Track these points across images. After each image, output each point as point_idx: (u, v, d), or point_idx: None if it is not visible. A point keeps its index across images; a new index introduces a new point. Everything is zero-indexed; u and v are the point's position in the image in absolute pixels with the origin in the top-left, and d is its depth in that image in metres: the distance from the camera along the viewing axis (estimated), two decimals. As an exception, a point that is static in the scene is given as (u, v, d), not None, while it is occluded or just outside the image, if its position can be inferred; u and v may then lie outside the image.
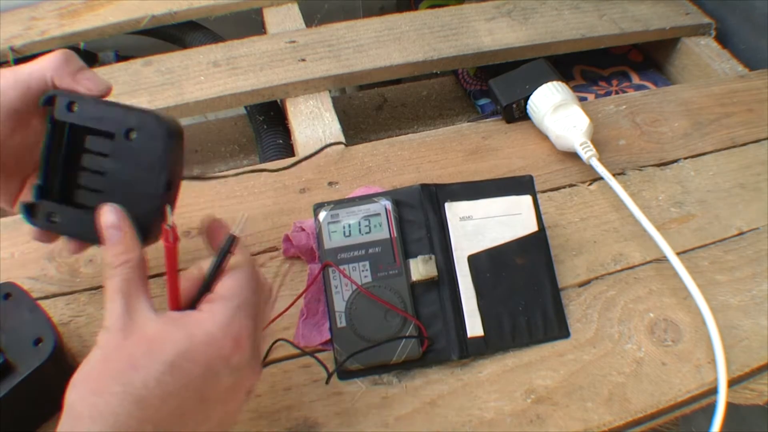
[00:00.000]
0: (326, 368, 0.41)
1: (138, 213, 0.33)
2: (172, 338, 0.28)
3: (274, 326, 0.44)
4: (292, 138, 0.62)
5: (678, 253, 0.47)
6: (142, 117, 0.34)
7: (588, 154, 0.52)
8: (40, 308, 0.39)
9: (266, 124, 0.69)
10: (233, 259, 0.32)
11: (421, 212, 0.46)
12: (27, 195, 0.37)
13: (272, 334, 0.43)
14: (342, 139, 0.59)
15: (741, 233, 0.51)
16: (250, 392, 0.32)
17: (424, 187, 0.46)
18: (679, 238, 0.50)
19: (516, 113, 0.59)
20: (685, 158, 0.57)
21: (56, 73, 0.34)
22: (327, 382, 0.41)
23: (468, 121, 0.62)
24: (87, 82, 0.35)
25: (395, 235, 0.44)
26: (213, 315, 0.30)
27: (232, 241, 0.32)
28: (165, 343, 0.28)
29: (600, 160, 0.53)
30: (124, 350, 0.28)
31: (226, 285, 0.31)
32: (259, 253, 0.48)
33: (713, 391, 0.42)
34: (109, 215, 0.32)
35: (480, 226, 0.46)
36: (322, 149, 0.56)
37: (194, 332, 0.29)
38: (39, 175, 0.36)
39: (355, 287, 0.43)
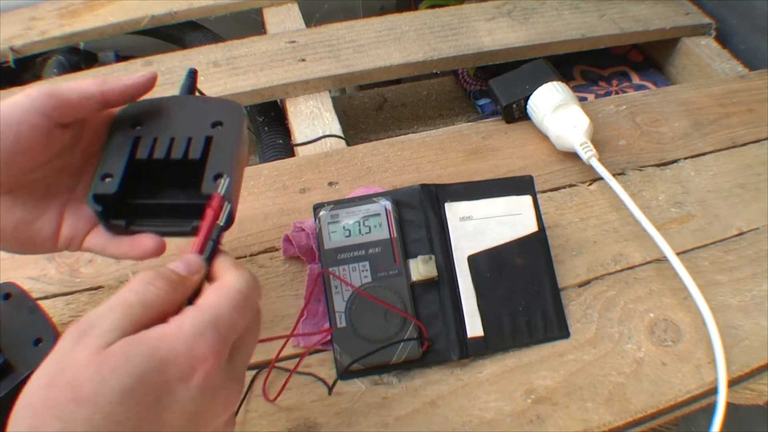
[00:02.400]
0: (326, 384, 0.41)
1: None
2: (130, 356, 0.24)
3: (273, 326, 0.44)
4: (292, 138, 0.62)
5: (678, 253, 0.47)
6: (221, 106, 0.35)
7: (588, 154, 0.52)
8: (40, 308, 0.39)
9: (266, 125, 0.69)
10: (222, 271, 0.29)
11: (421, 212, 0.46)
12: (70, 233, 0.35)
13: (271, 332, 0.43)
14: (342, 139, 0.59)
15: (741, 233, 0.51)
16: (230, 423, 0.29)
17: (424, 187, 0.46)
18: (679, 238, 0.50)
19: (516, 113, 0.59)
20: (685, 158, 0.57)
21: (105, 86, 0.33)
22: (329, 394, 0.41)
23: (468, 121, 0.62)
24: (137, 76, 0.35)
25: (395, 235, 0.44)
26: (179, 328, 0.25)
27: (222, 230, 0.30)
28: (120, 362, 0.23)
29: (600, 160, 0.53)
30: (69, 371, 0.23)
31: (206, 297, 0.27)
32: (259, 253, 0.48)
33: (713, 391, 0.42)
34: (194, 257, 0.30)
35: (480, 226, 0.46)
36: (322, 137, 0.56)
37: (157, 347, 0.24)
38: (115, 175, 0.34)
39: (356, 287, 0.43)
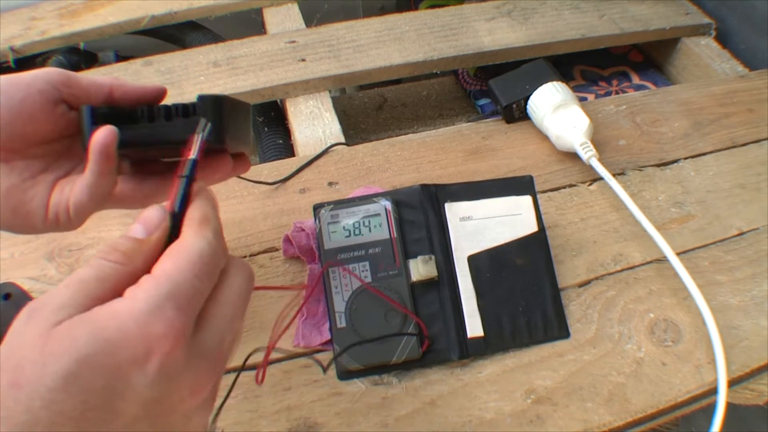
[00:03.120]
0: (321, 365, 0.41)
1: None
2: (74, 336, 0.21)
3: (274, 324, 0.44)
4: (292, 138, 0.62)
5: (678, 254, 0.47)
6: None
7: (588, 154, 0.52)
8: (40, 308, 0.39)
9: (266, 125, 0.69)
10: (184, 229, 0.26)
11: (421, 212, 0.46)
12: (57, 196, 0.33)
13: (272, 332, 0.43)
14: (342, 139, 0.59)
15: (741, 233, 0.51)
16: (203, 408, 0.25)
17: (424, 188, 0.46)
18: (679, 239, 0.50)
19: (516, 113, 0.59)
20: (685, 158, 0.57)
21: (116, 82, 0.33)
22: (324, 372, 0.40)
23: (468, 121, 0.62)
24: (147, 84, 0.35)
25: (395, 235, 0.44)
26: (133, 302, 0.22)
27: (194, 164, 0.27)
28: (63, 344, 0.21)
29: (600, 160, 0.53)
30: (17, 353, 0.21)
31: (163, 263, 0.24)
32: (259, 253, 0.48)
33: (713, 391, 0.42)
34: (152, 211, 0.26)
35: (480, 226, 0.46)
36: (325, 151, 0.56)
37: (105, 326, 0.22)
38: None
39: (355, 288, 0.43)
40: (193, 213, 0.26)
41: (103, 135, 0.30)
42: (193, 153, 0.27)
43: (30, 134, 0.32)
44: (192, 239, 0.25)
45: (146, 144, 0.32)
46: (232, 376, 0.37)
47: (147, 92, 0.34)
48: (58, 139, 0.34)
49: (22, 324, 0.22)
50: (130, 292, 0.23)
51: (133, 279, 0.24)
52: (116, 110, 0.32)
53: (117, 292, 0.24)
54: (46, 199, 0.34)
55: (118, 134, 0.31)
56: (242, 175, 0.46)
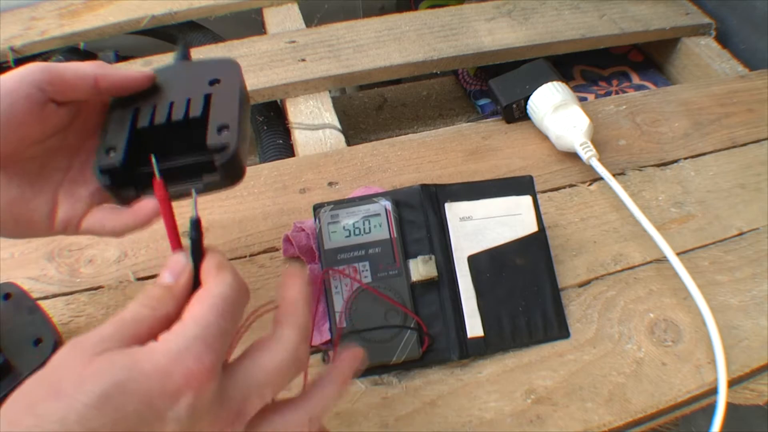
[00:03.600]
0: (327, 354, 0.41)
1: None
2: (112, 364, 0.23)
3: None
4: (292, 138, 0.62)
5: (678, 254, 0.47)
6: (216, 65, 0.36)
7: (588, 154, 0.52)
8: (40, 308, 0.39)
9: (266, 124, 0.69)
10: (205, 277, 0.28)
11: (421, 212, 0.46)
12: (66, 215, 0.34)
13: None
14: (342, 139, 0.59)
15: (741, 233, 0.51)
16: None
17: (424, 188, 0.46)
18: (679, 239, 0.50)
19: (516, 113, 0.59)
20: (685, 158, 0.57)
21: (101, 70, 0.33)
22: (325, 361, 0.41)
23: (468, 121, 0.62)
24: (134, 71, 0.34)
25: (395, 235, 0.44)
26: (165, 343, 0.25)
27: (197, 224, 0.29)
28: (102, 368, 0.23)
29: (600, 160, 0.53)
30: (57, 372, 0.23)
31: (190, 308, 0.27)
32: (259, 253, 0.48)
33: (713, 391, 0.42)
34: (176, 258, 0.29)
35: (480, 226, 0.46)
36: (323, 127, 0.56)
37: (139, 359, 0.24)
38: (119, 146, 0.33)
39: (355, 287, 0.43)
40: (209, 263, 0.28)
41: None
42: (192, 212, 0.29)
43: (21, 139, 0.32)
44: (213, 284, 0.27)
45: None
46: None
47: (135, 81, 0.34)
48: (50, 137, 0.34)
49: (65, 351, 0.24)
50: (163, 336, 0.25)
51: (165, 321, 0.26)
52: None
53: (152, 333, 0.26)
54: (50, 210, 0.34)
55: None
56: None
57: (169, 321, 0.27)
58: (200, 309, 0.26)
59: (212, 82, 0.35)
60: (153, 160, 0.31)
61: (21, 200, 0.33)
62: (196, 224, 0.29)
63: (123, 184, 0.33)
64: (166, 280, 0.28)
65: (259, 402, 0.27)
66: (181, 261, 0.29)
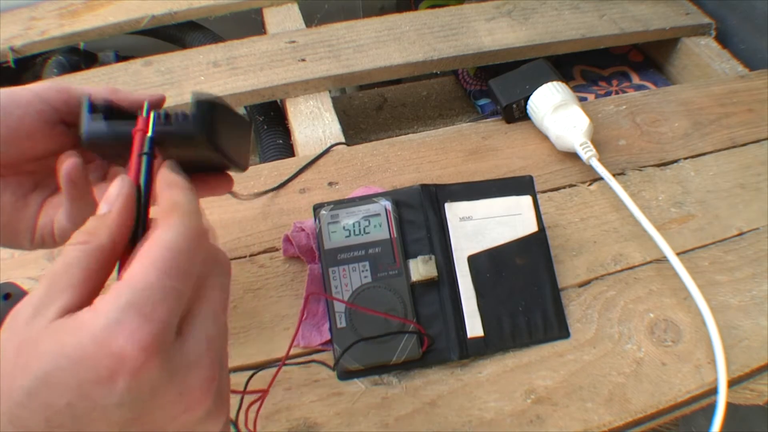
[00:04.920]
0: (328, 365, 0.41)
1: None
2: (38, 351, 0.20)
3: (273, 326, 0.44)
4: (292, 138, 0.62)
5: (678, 254, 0.47)
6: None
7: (588, 154, 0.52)
8: (40, 308, 0.39)
9: (266, 124, 0.69)
10: (156, 220, 0.24)
11: (421, 212, 0.46)
12: (44, 217, 0.33)
13: (272, 332, 0.43)
14: (342, 139, 0.59)
15: (741, 233, 0.51)
16: (208, 421, 0.23)
17: (424, 188, 0.46)
18: (679, 239, 0.50)
19: (516, 113, 0.59)
20: (685, 158, 0.57)
21: (115, 94, 0.32)
22: (334, 369, 0.41)
23: (468, 121, 0.62)
24: (147, 93, 0.33)
25: (395, 235, 0.44)
26: (94, 316, 0.20)
27: (151, 141, 0.26)
28: (31, 357, 0.20)
29: (600, 160, 0.53)
30: None
31: (130, 265, 0.22)
32: (259, 253, 0.48)
33: (713, 391, 0.42)
34: (112, 185, 0.25)
35: (480, 226, 0.46)
36: (326, 151, 0.56)
37: (65, 342, 0.20)
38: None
39: (355, 287, 0.43)
40: (161, 201, 0.24)
41: (67, 164, 0.30)
42: (150, 130, 0.26)
43: (26, 152, 0.32)
44: (158, 232, 0.23)
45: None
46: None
47: (144, 97, 0.34)
48: (52, 155, 0.33)
49: (5, 328, 0.21)
50: (97, 301, 0.21)
51: (103, 254, 0.23)
52: (115, 109, 0.31)
53: (90, 273, 0.22)
54: (34, 221, 0.33)
55: (80, 162, 0.31)
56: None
57: (105, 254, 0.23)
58: (139, 267, 0.22)
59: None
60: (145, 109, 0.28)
61: (12, 208, 0.33)
62: (151, 141, 0.25)
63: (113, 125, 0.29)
64: (102, 209, 0.24)
65: (219, 335, 0.23)
66: (116, 186, 0.25)
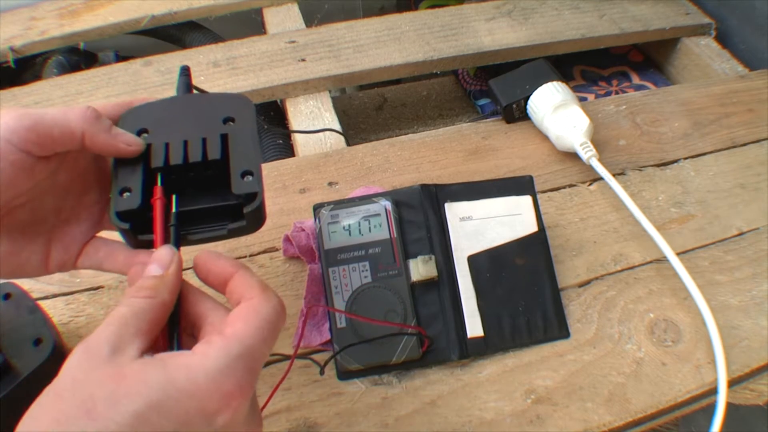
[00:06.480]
0: (318, 363, 0.41)
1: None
2: (146, 381, 0.23)
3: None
4: (292, 138, 0.62)
5: (678, 254, 0.47)
6: (229, 102, 0.35)
7: (588, 154, 0.52)
8: (40, 308, 0.39)
9: (266, 124, 0.69)
10: (247, 290, 0.28)
11: (421, 212, 0.46)
12: (61, 257, 0.33)
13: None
14: (342, 139, 0.59)
15: (741, 233, 0.51)
16: None
17: (424, 188, 0.46)
18: (679, 239, 0.50)
19: (516, 113, 0.59)
20: (685, 158, 0.57)
21: (90, 128, 0.30)
22: (321, 373, 0.40)
23: (468, 121, 0.62)
24: (124, 136, 0.32)
25: (395, 235, 0.44)
26: (205, 359, 0.24)
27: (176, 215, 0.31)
28: (136, 386, 0.23)
29: (600, 160, 0.53)
30: (85, 386, 0.23)
31: (233, 323, 0.26)
32: (259, 253, 0.48)
33: (713, 391, 0.42)
34: (163, 251, 0.29)
35: (480, 226, 0.46)
36: (321, 131, 0.57)
37: (176, 377, 0.23)
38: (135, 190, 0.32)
39: (355, 287, 0.43)
40: (248, 274, 0.28)
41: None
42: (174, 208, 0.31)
43: (10, 198, 0.30)
44: (260, 303, 0.27)
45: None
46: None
47: (119, 150, 0.32)
48: (40, 182, 0.31)
49: (80, 360, 0.24)
50: (200, 348, 0.25)
51: (163, 311, 0.27)
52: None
53: (153, 325, 0.26)
54: (44, 257, 0.32)
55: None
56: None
57: (166, 311, 0.27)
58: (245, 328, 0.26)
59: (226, 120, 0.34)
60: (159, 179, 0.32)
61: (14, 251, 0.31)
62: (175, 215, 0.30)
63: (141, 228, 0.31)
64: (155, 272, 0.28)
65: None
66: (168, 252, 0.28)
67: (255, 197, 0.32)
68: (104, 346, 0.24)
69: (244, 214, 0.32)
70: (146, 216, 0.31)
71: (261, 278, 0.29)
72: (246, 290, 0.28)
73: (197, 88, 0.38)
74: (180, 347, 0.27)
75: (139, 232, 0.31)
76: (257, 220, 0.32)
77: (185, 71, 0.38)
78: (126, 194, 0.31)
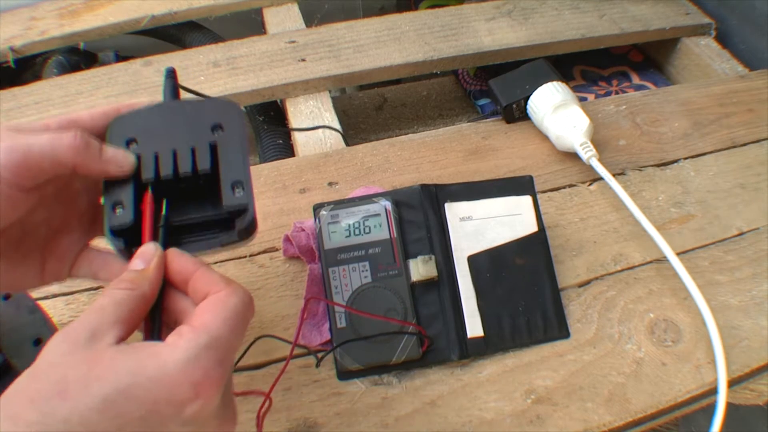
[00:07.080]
0: (317, 357, 0.41)
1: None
2: (118, 367, 0.24)
3: (274, 326, 0.44)
4: (292, 138, 0.62)
5: (678, 254, 0.47)
6: (216, 107, 0.34)
7: (588, 154, 0.52)
8: (40, 308, 0.39)
9: (266, 124, 0.69)
10: (213, 284, 0.28)
11: (421, 212, 0.46)
12: (56, 268, 0.33)
13: (272, 332, 0.43)
14: (342, 140, 0.59)
15: (741, 233, 0.51)
16: None
17: (424, 188, 0.46)
18: (679, 239, 0.50)
19: (516, 113, 0.59)
20: (685, 158, 0.57)
21: (81, 159, 0.29)
22: (317, 366, 0.41)
23: (468, 121, 0.62)
24: (115, 159, 0.31)
25: (395, 235, 0.44)
26: (174, 349, 0.25)
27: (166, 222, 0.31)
28: (107, 371, 0.23)
29: (600, 160, 0.53)
30: (59, 369, 0.23)
31: (201, 315, 0.26)
32: (259, 253, 0.48)
33: (713, 391, 0.42)
34: (146, 247, 0.29)
35: (480, 226, 0.46)
36: (318, 127, 0.57)
37: (146, 365, 0.24)
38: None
39: (355, 287, 0.43)
40: (209, 272, 0.29)
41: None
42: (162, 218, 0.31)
43: (2, 228, 0.29)
44: (227, 295, 0.27)
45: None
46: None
47: (111, 174, 0.31)
48: (31, 209, 0.31)
49: (58, 345, 0.24)
50: (170, 339, 0.25)
51: (143, 303, 0.27)
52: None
53: (133, 315, 0.26)
54: (39, 270, 0.32)
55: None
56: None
57: (146, 303, 0.27)
58: (213, 319, 0.26)
59: (214, 128, 0.33)
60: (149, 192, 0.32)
61: (9, 268, 0.31)
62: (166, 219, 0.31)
63: (134, 241, 0.31)
64: (138, 266, 0.28)
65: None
66: (151, 248, 0.29)
67: (246, 210, 0.32)
68: (82, 332, 0.25)
69: (236, 229, 0.32)
70: (139, 229, 0.31)
71: (223, 274, 0.29)
72: (210, 286, 0.28)
73: (185, 88, 0.37)
74: (160, 340, 0.27)
75: (132, 245, 0.31)
76: (248, 232, 0.33)
77: (171, 74, 0.36)
78: (119, 209, 0.31)
